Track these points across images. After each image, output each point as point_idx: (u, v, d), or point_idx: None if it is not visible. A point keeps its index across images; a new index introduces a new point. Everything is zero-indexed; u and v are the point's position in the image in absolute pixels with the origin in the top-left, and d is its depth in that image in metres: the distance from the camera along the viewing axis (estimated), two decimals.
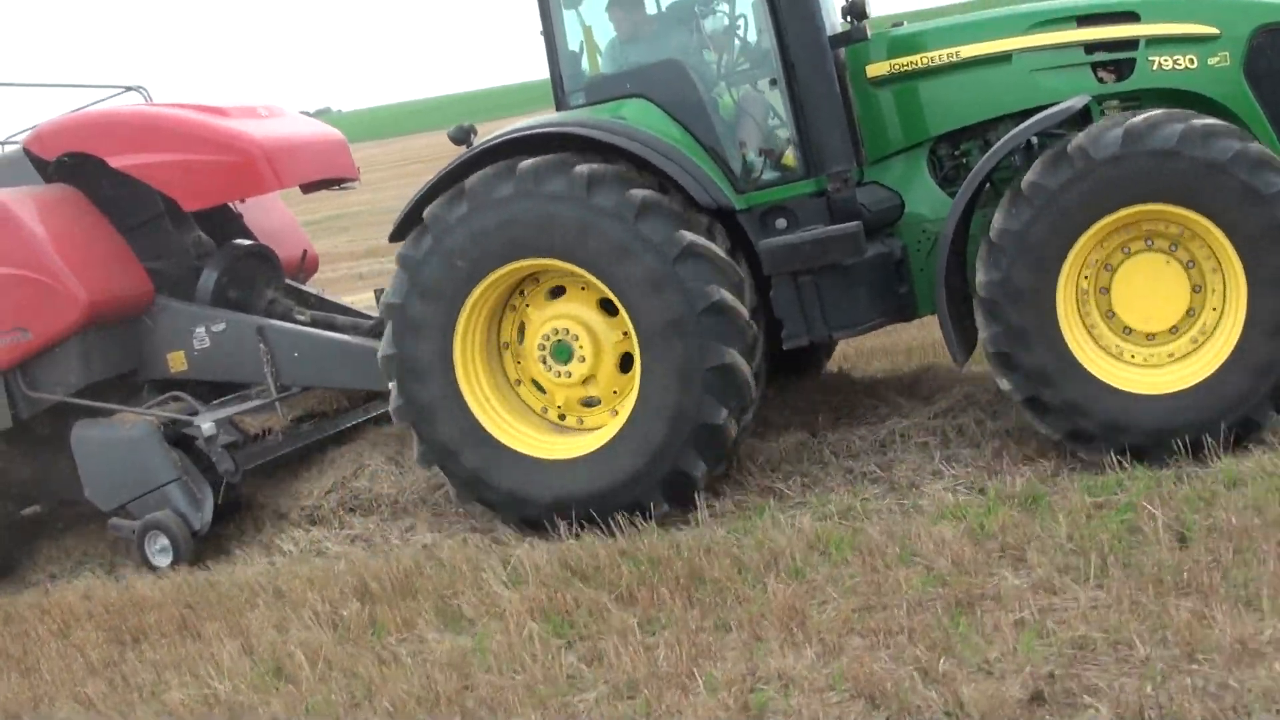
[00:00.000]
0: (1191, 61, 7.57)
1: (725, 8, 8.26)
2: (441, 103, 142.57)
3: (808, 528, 6.96)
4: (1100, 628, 5.31)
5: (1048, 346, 7.15)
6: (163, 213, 9.93)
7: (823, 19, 7.75)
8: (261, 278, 10.20)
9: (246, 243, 10.38)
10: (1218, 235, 6.93)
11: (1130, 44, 7.67)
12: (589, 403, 8.09)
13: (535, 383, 8.13)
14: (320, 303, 10.51)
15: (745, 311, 7.53)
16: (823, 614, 5.95)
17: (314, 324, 9.83)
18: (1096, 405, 7.15)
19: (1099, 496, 6.77)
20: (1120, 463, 7.06)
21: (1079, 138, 7.02)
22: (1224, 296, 7.08)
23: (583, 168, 7.48)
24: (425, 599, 7.12)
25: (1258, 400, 6.99)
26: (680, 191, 7.62)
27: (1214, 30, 7.54)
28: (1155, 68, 7.62)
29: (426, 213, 7.81)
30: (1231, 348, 7.01)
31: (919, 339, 10.73)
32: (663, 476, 7.59)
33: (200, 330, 9.55)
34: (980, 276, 7.18)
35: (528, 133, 7.81)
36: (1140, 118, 6.98)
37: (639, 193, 7.43)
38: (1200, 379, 7.08)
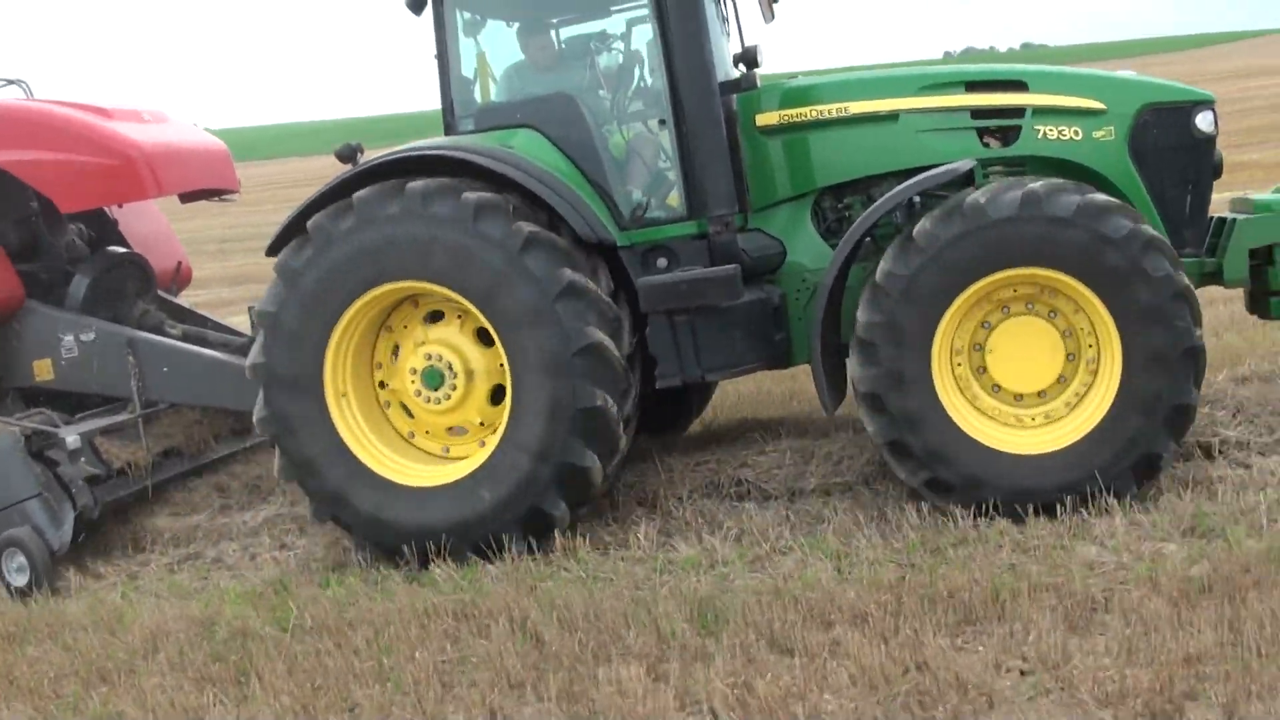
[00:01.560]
0: (1076, 133, 7.72)
1: (620, 45, 8.27)
2: (318, 127, 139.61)
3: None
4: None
5: (919, 392, 7.17)
6: (36, 213, 9.65)
7: (713, 64, 7.76)
8: (135, 287, 9.95)
9: (121, 250, 10.12)
10: (1096, 304, 7.02)
11: (1017, 112, 7.80)
12: (456, 431, 7.96)
13: (404, 406, 8.00)
14: (192, 317, 10.28)
15: (621, 357, 7.47)
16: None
17: (186, 338, 9.60)
18: (959, 457, 7.18)
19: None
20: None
21: (976, 194, 7.08)
22: (1098, 355, 7.17)
23: (471, 195, 7.39)
24: None
25: (1154, 434, 7.03)
26: (564, 223, 7.56)
27: (1100, 105, 7.72)
28: (1040, 136, 7.76)
29: (311, 223, 7.66)
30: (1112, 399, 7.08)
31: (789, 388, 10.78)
32: (522, 513, 7.48)
33: (69, 338, 9.27)
34: (861, 318, 7.19)
35: (415, 153, 7.71)
36: (1039, 184, 7.05)
37: (525, 226, 7.36)
38: (1085, 433, 7.13)
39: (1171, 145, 7.75)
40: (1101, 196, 7.06)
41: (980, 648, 5.62)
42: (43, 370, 9.35)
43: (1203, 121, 7.77)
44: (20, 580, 8.30)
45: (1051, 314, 7.23)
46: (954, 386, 7.29)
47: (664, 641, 6.00)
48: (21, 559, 8.31)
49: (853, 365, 7.29)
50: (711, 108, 7.66)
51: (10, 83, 10.37)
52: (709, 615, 6.22)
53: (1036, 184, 7.06)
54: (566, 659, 5.94)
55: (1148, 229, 7.00)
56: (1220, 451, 7.70)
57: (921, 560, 6.68)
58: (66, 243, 9.90)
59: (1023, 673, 5.35)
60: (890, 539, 7.09)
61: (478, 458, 7.64)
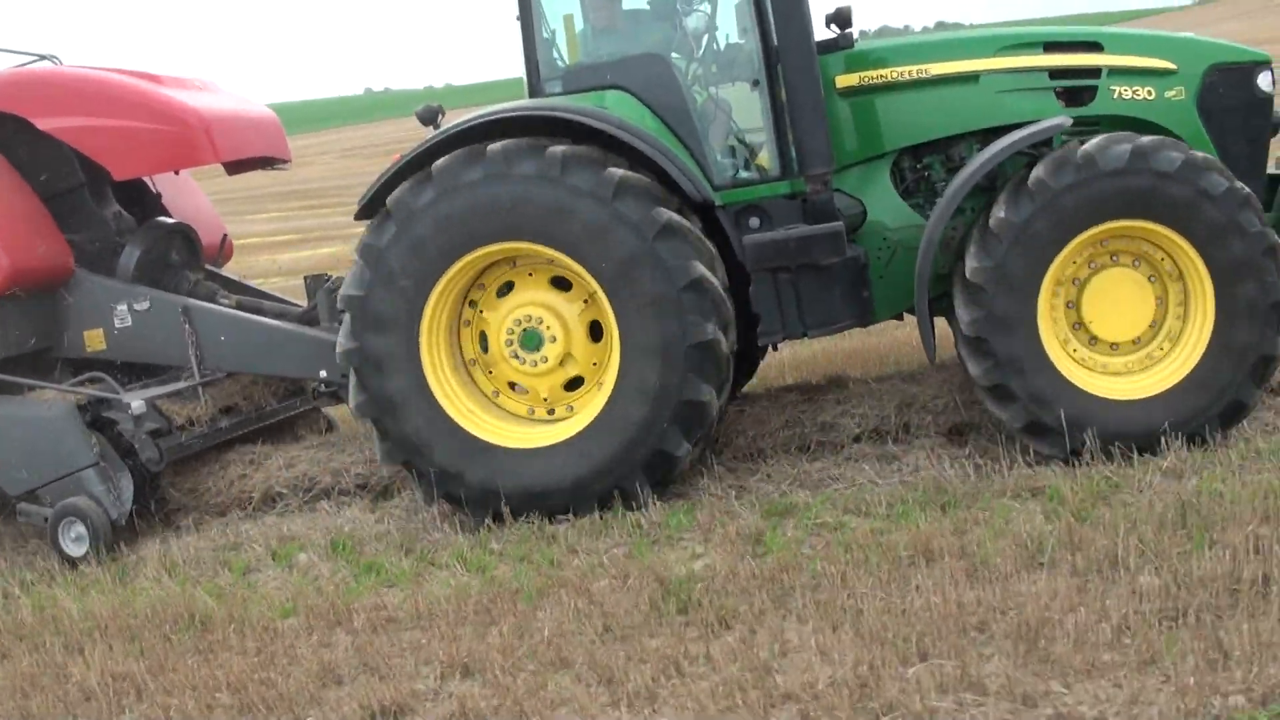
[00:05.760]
0: (1149, 93, 7.96)
1: (707, 7, 8.32)
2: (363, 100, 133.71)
3: None
4: None
5: (1024, 336, 7.37)
6: (83, 183, 9.47)
7: (812, 24, 7.87)
8: (184, 259, 9.82)
9: (170, 221, 9.98)
10: (1193, 257, 7.30)
11: (1093, 72, 8.01)
12: (572, 386, 7.98)
13: (513, 385, 8.02)
14: (244, 289, 10.19)
15: (729, 355, 7.59)
16: None
17: (241, 309, 9.51)
18: (1059, 401, 7.38)
19: None
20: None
21: (1087, 146, 7.31)
22: (1187, 306, 7.47)
23: (615, 170, 7.42)
24: None
25: (1242, 383, 7.35)
26: (665, 182, 7.63)
27: (1171, 65, 7.97)
28: (1116, 96, 7.99)
29: (436, 166, 7.60)
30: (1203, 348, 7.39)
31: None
32: (644, 459, 7.53)
33: (122, 308, 9.12)
34: (971, 263, 7.38)
35: (508, 114, 7.71)
36: (1146, 139, 7.31)
37: (664, 212, 7.41)
38: (1178, 379, 7.42)
39: (1235, 104, 8.01)
40: (1200, 154, 7.33)
41: None
42: (94, 340, 9.19)
43: (1263, 81, 8.05)
44: (78, 550, 8.22)
45: (1151, 277, 7.49)
46: (1055, 332, 7.51)
47: None
48: (80, 529, 8.22)
49: (959, 309, 7.47)
50: (812, 67, 7.73)
51: (42, 58, 10.18)
52: None
53: (1143, 139, 7.30)
54: None
55: (1242, 186, 7.28)
56: None
57: None
58: (113, 214, 9.75)
59: None
60: None
61: (591, 410, 7.70)
